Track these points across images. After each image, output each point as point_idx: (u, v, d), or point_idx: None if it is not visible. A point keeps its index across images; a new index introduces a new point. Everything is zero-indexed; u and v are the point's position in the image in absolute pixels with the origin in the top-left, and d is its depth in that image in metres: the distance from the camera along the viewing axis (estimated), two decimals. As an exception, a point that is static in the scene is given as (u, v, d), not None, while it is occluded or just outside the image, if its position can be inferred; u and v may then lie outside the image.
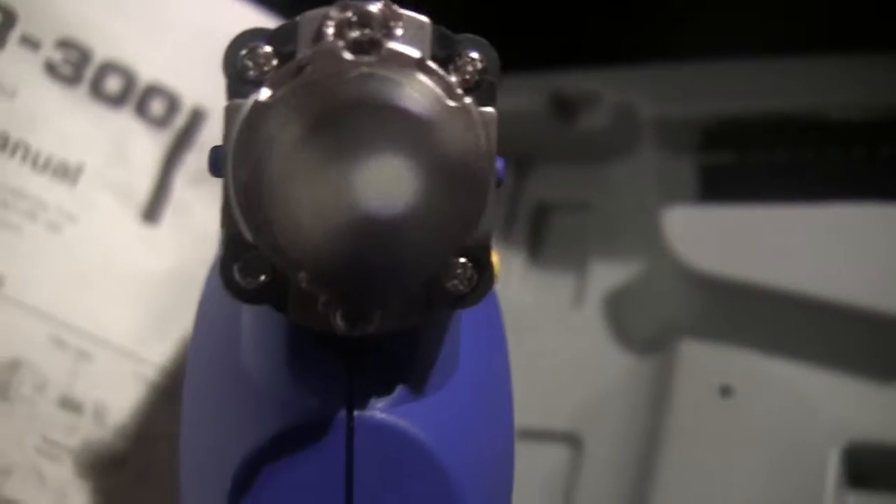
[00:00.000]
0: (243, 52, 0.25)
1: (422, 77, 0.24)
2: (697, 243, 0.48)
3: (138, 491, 0.46)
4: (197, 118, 0.48)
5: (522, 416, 0.51)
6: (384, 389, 0.27)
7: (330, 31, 0.24)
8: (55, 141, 0.46)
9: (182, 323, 0.45)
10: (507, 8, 0.60)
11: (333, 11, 0.24)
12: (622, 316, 0.52)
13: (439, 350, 0.28)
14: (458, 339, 0.29)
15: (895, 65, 0.49)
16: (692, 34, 0.56)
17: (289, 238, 0.22)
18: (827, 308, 0.45)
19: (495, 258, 0.33)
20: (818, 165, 0.51)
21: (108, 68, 0.47)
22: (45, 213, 0.45)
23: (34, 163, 0.45)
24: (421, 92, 0.21)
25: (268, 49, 0.25)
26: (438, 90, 0.24)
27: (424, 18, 0.25)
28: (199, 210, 0.48)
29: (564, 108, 0.56)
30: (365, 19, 0.24)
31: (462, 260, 0.25)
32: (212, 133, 0.48)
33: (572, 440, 0.50)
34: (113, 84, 0.47)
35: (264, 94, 0.24)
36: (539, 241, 0.57)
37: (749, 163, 0.52)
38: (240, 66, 0.25)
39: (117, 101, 0.47)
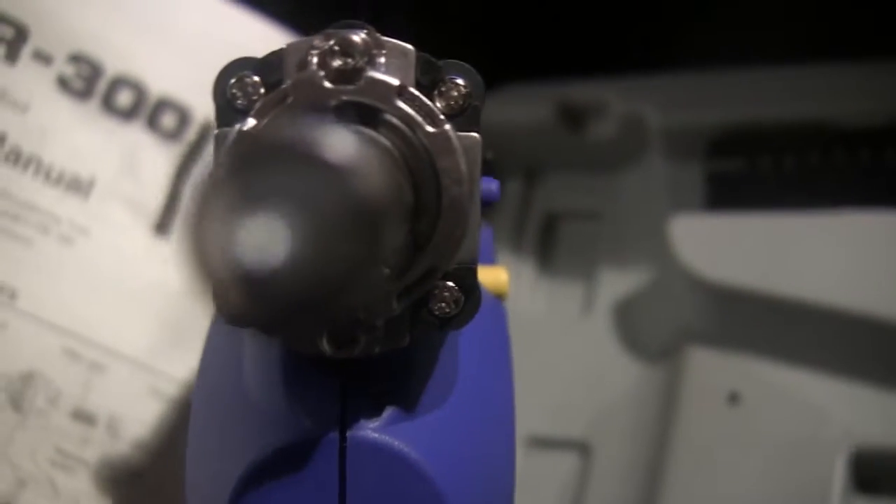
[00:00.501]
0: (232, 80, 0.25)
1: (401, 104, 0.25)
2: (705, 251, 0.49)
3: (154, 503, 0.46)
4: (208, 131, 0.48)
5: (533, 424, 0.51)
6: (377, 409, 0.27)
7: (314, 60, 0.24)
8: (67, 155, 0.46)
9: (195, 335, 0.45)
10: (515, 20, 0.60)
11: (318, 41, 0.25)
12: (631, 324, 0.52)
13: (433, 370, 0.28)
14: (456, 359, 0.29)
15: (900, 72, 0.49)
16: (698, 44, 0.56)
17: (197, 280, 0.22)
18: (834, 315, 0.45)
19: (504, 276, 0.33)
20: (825, 172, 0.51)
21: (119, 82, 0.47)
22: (58, 226, 0.46)
23: (47, 176, 0.46)
24: (342, 138, 0.20)
25: (256, 78, 0.25)
26: (418, 117, 0.25)
27: (409, 46, 0.25)
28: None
29: (572, 118, 0.56)
30: (347, 48, 0.24)
31: (449, 283, 0.26)
32: (222, 146, 0.48)
33: (582, 447, 0.50)
34: (124, 98, 0.47)
35: (249, 123, 0.24)
36: (548, 251, 0.57)
37: (756, 171, 0.52)
38: (229, 96, 0.25)
39: (129, 114, 0.47)
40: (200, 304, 0.23)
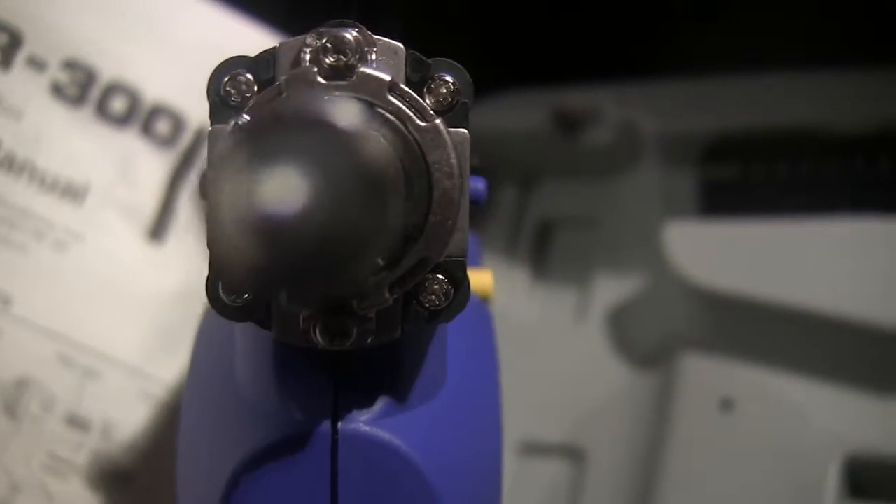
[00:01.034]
0: (226, 79, 0.26)
1: (393, 99, 0.25)
2: (699, 257, 0.49)
3: (146, 507, 0.46)
4: (202, 138, 0.48)
5: (526, 429, 0.51)
6: (369, 403, 0.28)
7: (307, 57, 0.25)
8: (61, 161, 0.46)
9: (188, 340, 0.45)
10: (509, 26, 0.61)
11: (310, 39, 0.25)
12: (625, 330, 0.52)
13: (424, 364, 0.29)
14: (444, 354, 0.30)
15: (894, 78, 0.49)
16: (693, 51, 0.56)
17: (210, 245, 0.23)
18: (827, 322, 0.45)
19: (489, 279, 0.34)
20: (819, 179, 0.51)
21: (113, 89, 0.47)
22: (52, 232, 0.46)
23: (41, 183, 0.46)
24: (349, 108, 0.22)
25: (249, 76, 0.26)
26: (410, 111, 0.25)
27: (398, 44, 0.26)
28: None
29: (567, 124, 0.56)
30: (340, 46, 0.25)
31: (438, 276, 0.26)
32: (217, 152, 0.48)
33: (575, 453, 0.50)
34: (118, 104, 0.47)
35: (244, 118, 0.25)
36: (543, 257, 0.57)
37: (750, 177, 0.53)
38: (223, 93, 0.26)
39: (123, 121, 0.47)
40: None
